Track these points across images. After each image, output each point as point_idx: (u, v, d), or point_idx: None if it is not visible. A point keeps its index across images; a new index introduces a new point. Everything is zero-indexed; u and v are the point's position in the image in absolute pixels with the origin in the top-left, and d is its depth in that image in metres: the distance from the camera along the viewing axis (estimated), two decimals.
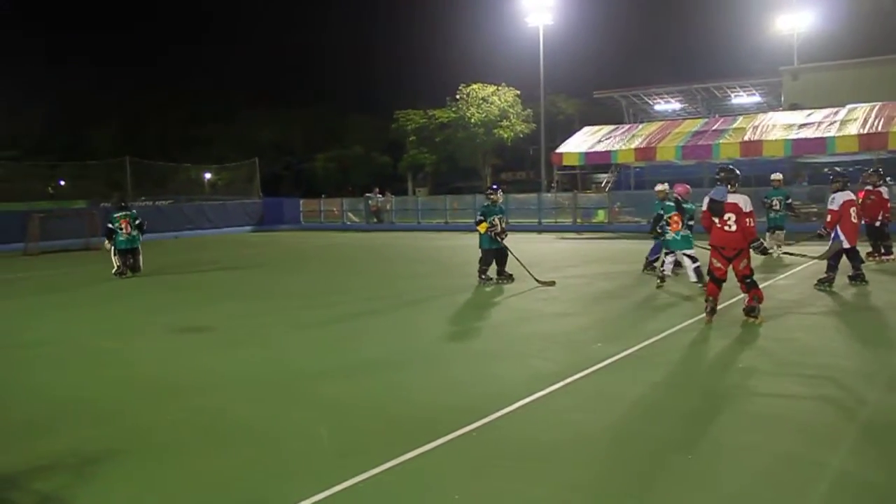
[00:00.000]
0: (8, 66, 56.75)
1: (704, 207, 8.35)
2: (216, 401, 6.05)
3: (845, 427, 4.95)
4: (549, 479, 4.23)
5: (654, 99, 43.68)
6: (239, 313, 10.51)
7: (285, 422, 5.44)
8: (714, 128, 27.25)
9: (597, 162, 31.04)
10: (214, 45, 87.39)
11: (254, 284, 14.49)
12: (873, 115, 23.63)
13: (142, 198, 33.79)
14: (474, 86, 46.27)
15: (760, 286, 8.40)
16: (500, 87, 46.19)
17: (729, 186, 8.12)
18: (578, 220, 27.90)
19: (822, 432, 4.79)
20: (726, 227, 8.06)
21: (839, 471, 4.21)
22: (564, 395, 5.82)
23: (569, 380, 6.14)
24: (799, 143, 23.91)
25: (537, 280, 11.92)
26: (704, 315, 8.37)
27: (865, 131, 22.71)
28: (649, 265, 13.17)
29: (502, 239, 12.28)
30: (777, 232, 14.99)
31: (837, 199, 10.22)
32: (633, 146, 27.38)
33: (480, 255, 12.38)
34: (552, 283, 11.85)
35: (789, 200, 15.50)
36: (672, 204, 11.20)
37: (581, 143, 29.63)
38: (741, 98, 42.16)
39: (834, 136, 23.29)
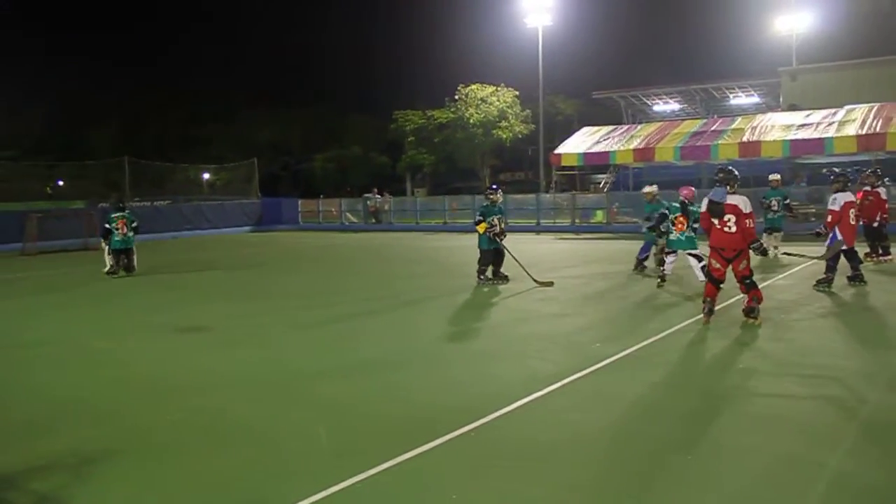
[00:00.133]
0: (8, 65, 56.87)
1: (703, 209, 8.34)
2: (214, 401, 6.04)
3: (845, 427, 4.94)
4: (548, 479, 4.22)
5: (653, 99, 43.73)
6: (237, 313, 10.50)
7: (283, 422, 5.43)
8: (712, 128, 27.26)
9: (595, 162, 31.02)
10: (213, 45, 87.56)
11: (252, 284, 14.48)
12: (871, 116, 23.66)
13: (136, 198, 33.70)
14: (473, 86, 46.25)
15: (759, 286, 8.39)
16: (498, 88, 46.16)
17: (728, 188, 8.10)
18: (577, 221, 27.89)
19: (822, 433, 4.79)
20: (726, 229, 8.04)
21: (838, 471, 4.20)
22: (563, 396, 5.81)
23: (567, 380, 6.14)
24: (797, 144, 23.93)
25: (536, 280, 11.91)
26: (702, 316, 8.38)
27: (864, 132, 22.73)
28: (640, 264, 13.22)
29: (501, 239, 12.27)
30: (774, 234, 15.01)
31: (839, 200, 10.20)
32: (631, 147, 27.39)
33: (479, 255, 12.38)
34: (551, 284, 11.84)
35: (787, 201, 15.52)
36: (678, 205, 11.19)
37: (580, 143, 29.64)
38: (740, 99, 42.21)
39: (832, 137, 23.31)
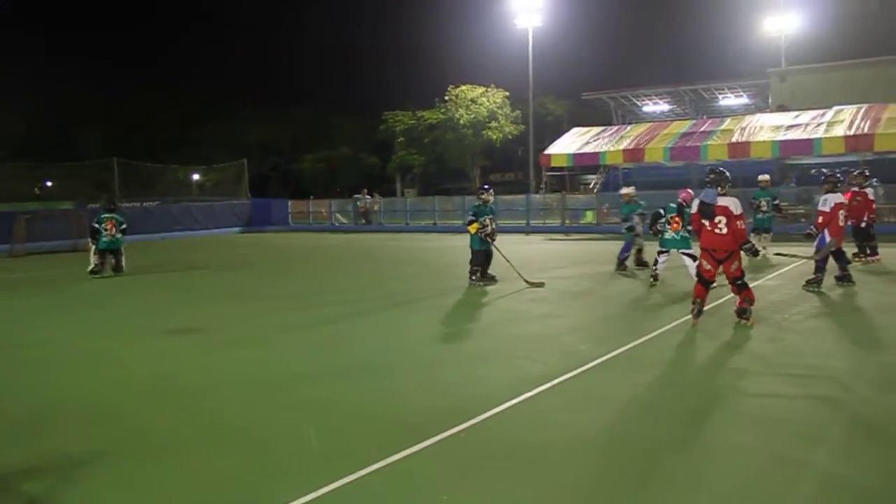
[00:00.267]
0: (8, 65, 56.59)
1: (694, 210, 8.34)
2: (207, 402, 5.99)
3: (835, 427, 4.95)
4: (538, 479, 4.20)
5: (643, 100, 43.88)
6: (229, 314, 10.44)
7: (275, 423, 5.38)
8: (702, 129, 27.35)
9: (585, 163, 31.10)
10: (203, 46, 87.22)
11: (243, 285, 14.41)
12: (860, 117, 23.81)
13: (125, 199, 33.41)
14: (463, 87, 46.33)
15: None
16: (489, 89, 46.25)
17: (719, 189, 8.07)
18: (567, 222, 27.95)
19: (813, 432, 4.79)
20: (717, 230, 8.03)
21: (829, 470, 4.21)
22: (553, 396, 5.79)
23: (557, 381, 6.12)
24: (786, 145, 24.05)
25: (527, 281, 11.90)
26: (691, 317, 8.38)
27: (852, 133, 22.87)
28: (621, 264, 13.29)
29: (492, 240, 12.25)
30: (764, 234, 15.09)
31: (829, 201, 10.22)
32: (621, 147, 27.43)
33: (471, 255, 12.36)
34: (541, 284, 11.83)
35: (776, 201, 15.62)
36: (674, 205, 11.19)
37: (569, 144, 29.67)
38: (729, 100, 42.43)
39: (821, 138, 23.43)
